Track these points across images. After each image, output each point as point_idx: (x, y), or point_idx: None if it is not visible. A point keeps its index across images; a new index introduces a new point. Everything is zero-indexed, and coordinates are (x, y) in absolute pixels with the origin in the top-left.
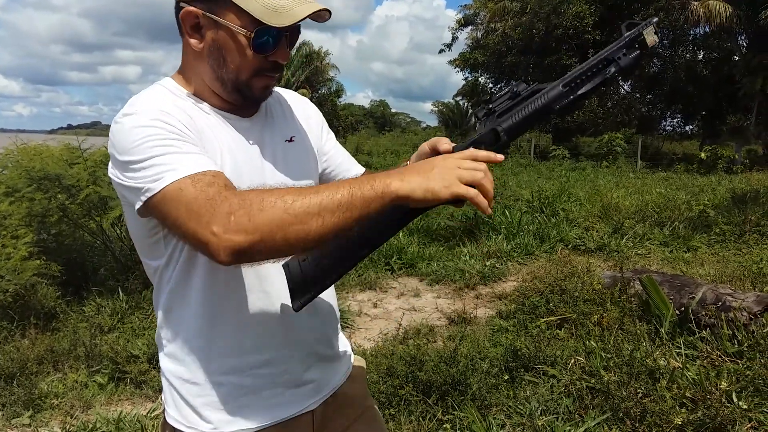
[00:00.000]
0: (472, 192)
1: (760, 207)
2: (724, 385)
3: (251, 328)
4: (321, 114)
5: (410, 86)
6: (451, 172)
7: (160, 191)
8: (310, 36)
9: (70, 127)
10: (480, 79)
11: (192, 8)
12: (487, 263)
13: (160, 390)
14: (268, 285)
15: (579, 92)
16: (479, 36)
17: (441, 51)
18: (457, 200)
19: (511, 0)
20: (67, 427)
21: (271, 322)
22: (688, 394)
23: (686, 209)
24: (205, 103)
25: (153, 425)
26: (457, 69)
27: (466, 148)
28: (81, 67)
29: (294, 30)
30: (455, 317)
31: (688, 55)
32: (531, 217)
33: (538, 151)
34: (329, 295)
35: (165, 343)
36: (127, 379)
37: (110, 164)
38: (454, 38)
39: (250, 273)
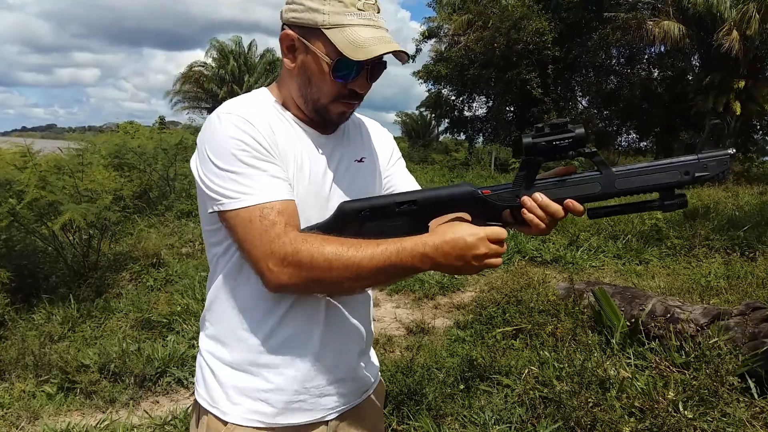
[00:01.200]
0: (497, 264)
1: (710, 222)
2: (671, 395)
3: (294, 329)
4: (395, 142)
5: (374, 96)
6: (473, 266)
7: (233, 210)
8: (273, 43)
9: (24, 129)
10: (443, 91)
11: (290, 32)
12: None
13: (112, 401)
14: (317, 303)
15: (607, 210)
16: (443, 49)
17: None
18: None
19: (474, 14)
20: None
21: (315, 327)
22: (636, 404)
23: (639, 223)
24: (288, 113)
25: None
26: (420, 81)
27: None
28: (37, 69)
29: (377, 65)
30: (413, 327)
31: (643, 73)
32: None
33: (499, 164)
34: (366, 309)
35: (208, 325)
36: (77, 390)
37: (194, 155)
38: (418, 50)
39: None
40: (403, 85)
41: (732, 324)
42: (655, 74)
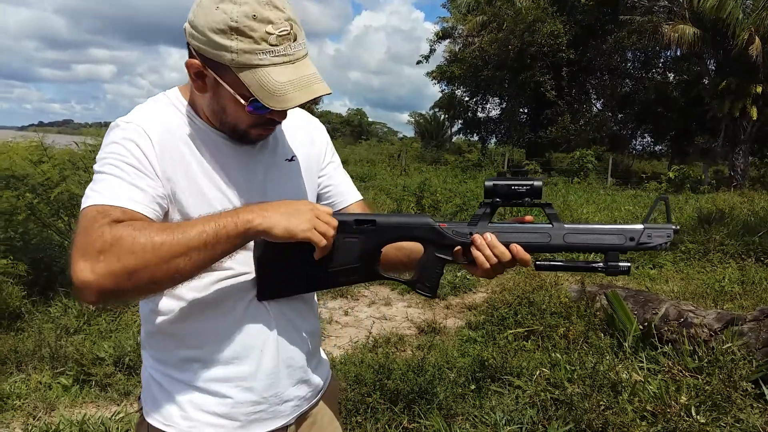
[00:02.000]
0: (323, 242)
1: (725, 227)
2: (683, 399)
3: (236, 338)
4: (327, 135)
5: (387, 96)
6: (310, 220)
7: (82, 208)
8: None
9: (41, 124)
10: (456, 91)
11: (196, 61)
12: (458, 274)
13: (126, 393)
14: (237, 307)
15: (553, 265)
16: (457, 49)
17: (419, 62)
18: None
19: (488, 15)
20: (30, 429)
21: (259, 334)
22: (648, 408)
23: None
24: (200, 120)
25: (117, 428)
26: (434, 81)
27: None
28: (54, 64)
29: None
30: (425, 327)
31: (658, 77)
32: None
33: (512, 165)
34: (313, 311)
35: (153, 344)
36: (92, 382)
37: None
38: (432, 50)
39: (239, 283)
40: (417, 86)
41: (746, 329)
42: (671, 78)
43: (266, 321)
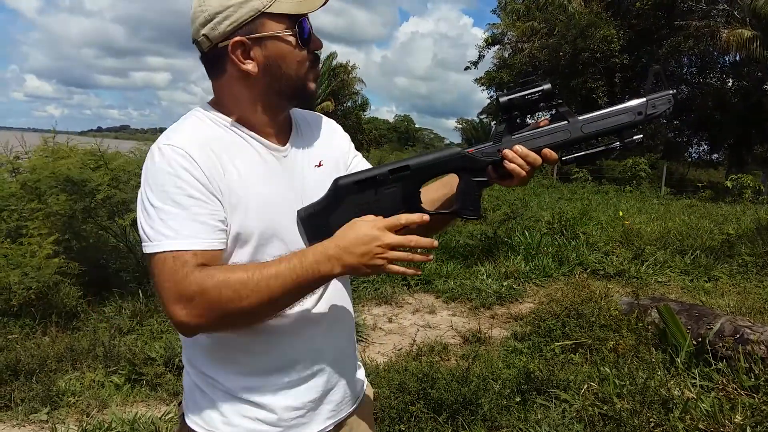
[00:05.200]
0: (394, 269)
1: None
2: (738, 418)
3: (278, 350)
4: (345, 133)
5: (434, 102)
6: (371, 257)
7: (151, 253)
8: (337, 49)
9: (99, 129)
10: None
11: (236, 38)
12: (504, 283)
13: (176, 393)
14: (308, 308)
15: (577, 155)
16: (506, 55)
17: (467, 68)
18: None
19: (539, 21)
20: (84, 426)
21: (298, 345)
22: (701, 426)
23: (709, 238)
24: (245, 129)
25: (167, 428)
26: (482, 87)
27: (468, 156)
28: (112, 72)
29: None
30: (470, 336)
31: (716, 83)
32: (550, 239)
33: (561, 173)
34: (348, 317)
35: (195, 352)
36: (143, 381)
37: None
38: (481, 56)
39: None
40: (463, 92)
41: None
42: (729, 84)
43: (310, 329)
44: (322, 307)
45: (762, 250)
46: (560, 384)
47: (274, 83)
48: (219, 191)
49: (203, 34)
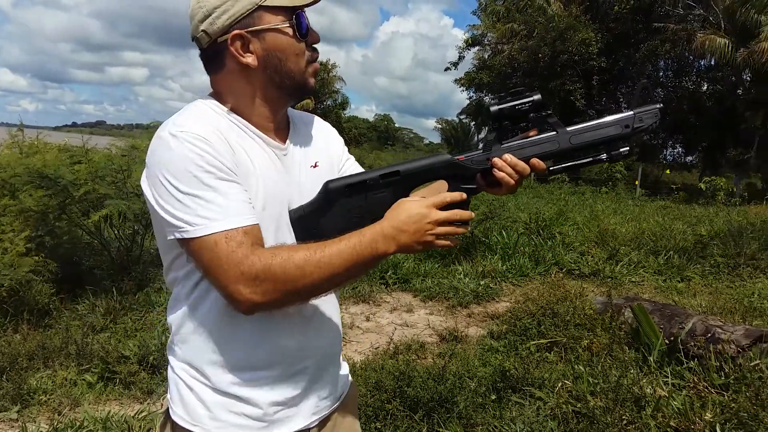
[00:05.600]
0: (440, 244)
1: (756, 240)
2: (708, 416)
3: (266, 344)
4: (339, 136)
5: (414, 102)
6: (423, 234)
7: (197, 237)
8: (317, 47)
9: (74, 125)
10: (485, 98)
11: (235, 32)
12: (482, 283)
13: (149, 392)
14: (298, 307)
15: (564, 166)
16: (486, 57)
17: (447, 69)
18: None
19: (519, 23)
20: (55, 424)
21: (287, 340)
22: (672, 424)
23: (682, 239)
24: (244, 121)
25: (140, 426)
26: (462, 88)
27: (461, 166)
28: (88, 66)
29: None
30: (446, 335)
31: (692, 87)
32: (527, 239)
33: (538, 173)
34: (336, 315)
35: (178, 351)
36: (117, 380)
37: (145, 175)
38: (461, 57)
39: None
40: (443, 93)
41: None
42: (704, 88)
43: (300, 326)
44: (311, 306)
45: (734, 251)
46: (535, 382)
47: (275, 76)
48: (239, 174)
49: (202, 30)
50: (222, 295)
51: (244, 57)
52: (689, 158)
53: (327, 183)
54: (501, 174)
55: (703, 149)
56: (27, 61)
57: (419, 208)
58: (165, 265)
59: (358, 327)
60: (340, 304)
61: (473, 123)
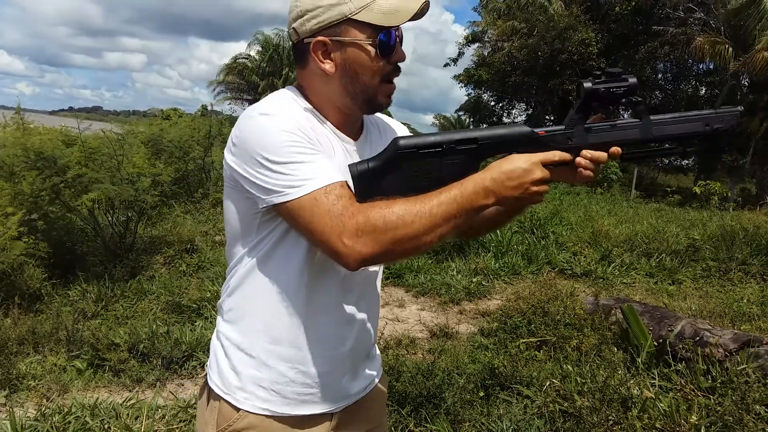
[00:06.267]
0: (537, 200)
1: (748, 246)
2: (693, 418)
3: (315, 327)
4: (404, 128)
5: (412, 97)
6: (524, 190)
7: (296, 198)
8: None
9: (71, 109)
10: (483, 95)
11: (319, 38)
12: (474, 280)
13: (139, 380)
14: (336, 294)
15: (637, 155)
16: (485, 54)
17: (446, 65)
18: None
19: (520, 21)
20: (43, 410)
21: (335, 326)
22: (658, 425)
23: (675, 242)
24: (321, 116)
25: (128, 414)
26: (461, 84)
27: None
28: (86, 51)
29: (401, 30)
30: (437, 331)
31: (690, 90)
32: (521, 238)
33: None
34: (376, 309)
35: (228, 311)
36: (106, 367)
37: (233, 153)
38: (460, 53)
39: (330, 279)
40: (442, 88)
41: (762, 352)
42: (702, 92)
43: (337, 309)
44: (356, 296)
45: (725, 255)
46: (523, 380)
47: (348, 86)
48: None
49: (293, 28)
50: (326, 252)
51: (323, 63)
52: (685, 161)
53: (396, 140)
54: (585, 166)
55: (698, 153)
56: (25, 44)
57: (526, 164)
58: (235, 238)
59: None
60: None
61: (471, 120)
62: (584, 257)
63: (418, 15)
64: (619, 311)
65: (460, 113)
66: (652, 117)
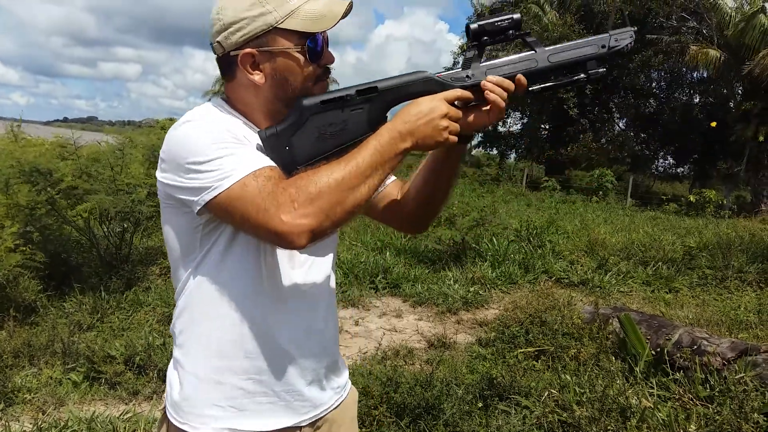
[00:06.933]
0: (453, 139)
1: (744, 253)
2: (692, 428)
3: (270, 334)
4: None
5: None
6: (435, 126)
7: (226, 189)
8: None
9: (66, 120)
10: None
11: (247, 49)
12: (471, 289)
13: (135, 393)
14: (291, 298)
15: (543, 86)
16: None
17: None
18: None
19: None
20: (39, 423)
21: (286, 333)
22: None
23: (671, 250)
24: (251, 124)
25: (125, 427)
26: None
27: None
28: (81, 61)
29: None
30: (435, 341)
31: (684, 98)
32: (518, 247)
33: (530, 181)
34: (335, 315)
35: (180, 336)
36: (102, 380)
37: (162, 169)
38: (455, 62)
39: (285, 283)
40: None
41: (760, 360)
42: (696, 100)
43: (287, 314)
44: (311, 303)
45: (722, 263)
46: (522, 390)
47: (280, 93)
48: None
49: (217, 41)
50: (269, 238)
51: (252, 74)
52: (680, 169)
53: (300, 98)
54: (493, 96)
55: (693, 161)
56: (19, 54)
57: (430, 102)
58: (174, 260)
59: (346, 331)
60: None
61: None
62: (581, 266)
63: (344, 16)
64: (616, 320)
65: None
66: (546, 47)
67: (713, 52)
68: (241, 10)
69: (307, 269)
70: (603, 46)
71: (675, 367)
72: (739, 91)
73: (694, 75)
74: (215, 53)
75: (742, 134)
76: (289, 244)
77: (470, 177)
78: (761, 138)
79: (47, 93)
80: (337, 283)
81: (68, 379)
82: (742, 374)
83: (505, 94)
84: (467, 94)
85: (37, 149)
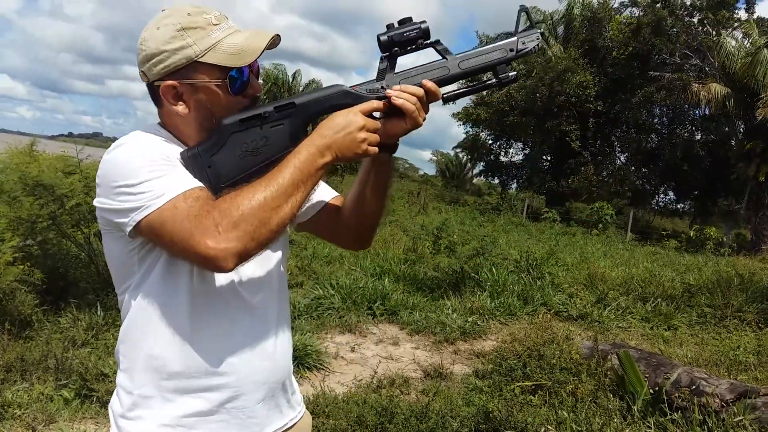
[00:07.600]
0: (373, 151)
1: (743, 292)
2: None
3: (212, 353)
4: None
5: (411, 134)
6: (355, 142)
7: (156, 209)
8: (318, 74)
9: (71, 135)
10: (481, 134)
11: (168, 82)
12: (469, 319)
13: None
14: (237, 314)
15: (458, 93)
16: (484, 93)
17: (445, 103)
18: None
19: (518, 62)
20: None
21: (233, 349)
22: None
23: (670, 287)
24: (185, 145)
25: None
26: (459, 122)
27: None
28: (88, 78)
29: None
30: (431, 371)
31: (686, 135)
32: (517, 278)
33: (530, 211)
34: (287, 342)
35: (123, 361)
36: (94, 397)
37: (97, 194)
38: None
39: (218, 301)
40: (439, 125)
41: (759, 403)
42: (698, 137)
43: (239, 334)
44: (263, 317)
45: (721, 301)
46: (518, 425)
47: (206, 124)
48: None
49: (141, 71)
50: (197, 261)
51: (175, 105)
52: (681, 205)
53: (220, 119)
54: (400, 101)
55: (694, 197)
56: (28, 69)
57: (346, 115)
58: (116, 282)
59: (342, 357)
60: (326, 333)
61: (469, 157)
62: (580, 299)
63: (270, 47)
64: (615, 357)
65: (458, 150)
66: (456, 54)
67: (717, 89)
68: (162, 42)
69: (254, 284)
70: (511, 50)
71: (673, 406)
72: (741, 129)
73: (697, 112)
74: (143, 80)
75: (744, 173)
76: (216, 268)
77: (471, 205)
78: (762, 178)
79: (53, 108)
80: (334, 308)
81: (60, 395)
82: (741, 417)
83: (413, 98)
84: (382, 104)
85: (41, 164)
